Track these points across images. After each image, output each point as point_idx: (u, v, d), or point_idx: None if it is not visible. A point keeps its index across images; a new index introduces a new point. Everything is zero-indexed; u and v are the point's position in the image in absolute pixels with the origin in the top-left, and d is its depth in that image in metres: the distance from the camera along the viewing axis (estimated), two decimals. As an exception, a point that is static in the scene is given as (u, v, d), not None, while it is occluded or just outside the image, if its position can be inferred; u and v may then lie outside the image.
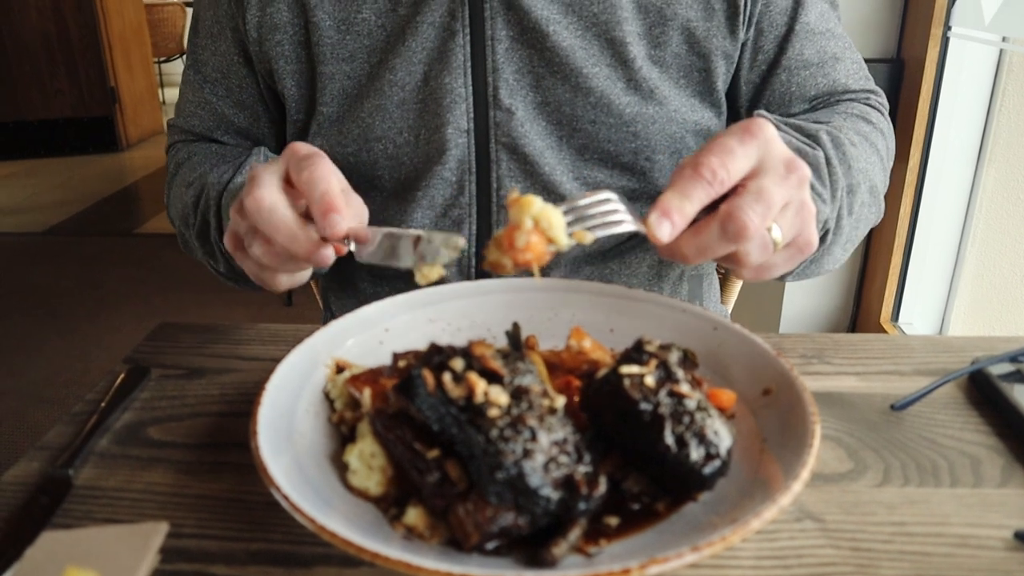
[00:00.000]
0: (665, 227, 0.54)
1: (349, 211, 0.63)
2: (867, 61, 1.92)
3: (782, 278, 0.79)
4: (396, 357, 0.58)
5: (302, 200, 0.65)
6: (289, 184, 0.65)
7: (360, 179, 0.88)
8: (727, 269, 1.24)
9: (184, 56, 1.08)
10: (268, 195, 0.63)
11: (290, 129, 0.95)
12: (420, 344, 0.62)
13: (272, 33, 0.89)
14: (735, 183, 0.57)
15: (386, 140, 0.88)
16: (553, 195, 0.88)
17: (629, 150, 0.88)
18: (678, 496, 0.51)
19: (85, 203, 4.84)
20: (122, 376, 0.73)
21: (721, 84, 0.90)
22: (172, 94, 7.75)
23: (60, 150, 5.85)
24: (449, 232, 0.59)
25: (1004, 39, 1.77)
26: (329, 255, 0.63)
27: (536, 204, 0.54)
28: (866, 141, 0.84)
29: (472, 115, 0.86)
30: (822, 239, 0.77)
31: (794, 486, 0.47)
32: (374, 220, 0.92)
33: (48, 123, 5.78)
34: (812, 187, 0.73)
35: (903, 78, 1.96)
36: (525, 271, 0.55)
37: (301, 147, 0.65)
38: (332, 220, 0.60)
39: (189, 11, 7.19)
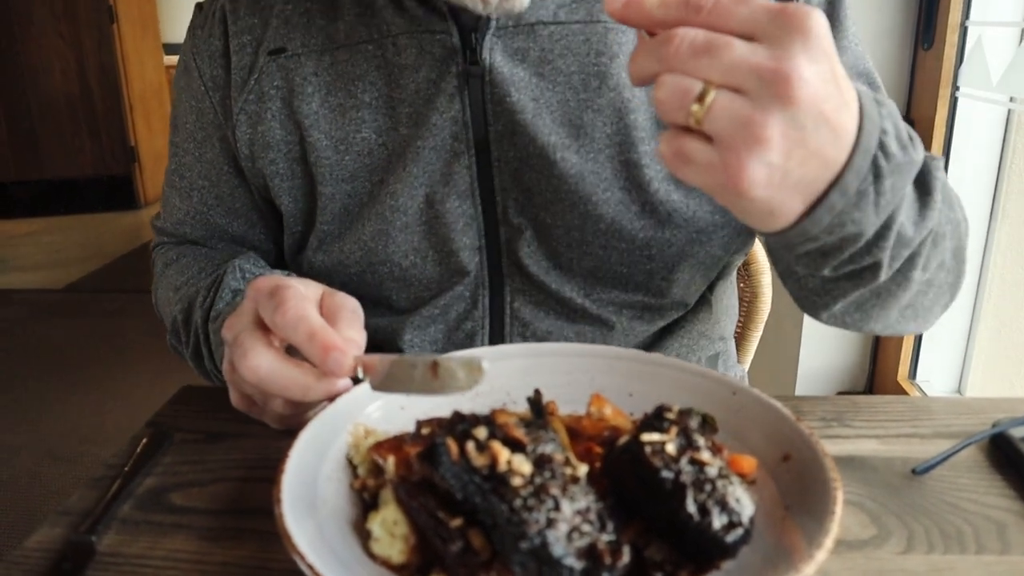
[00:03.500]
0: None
1: (346, 336, 0.60)
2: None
3: (825, 317, 0.74)
4: (419, 424, 0.59)
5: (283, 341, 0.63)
6: (266, 328, 0.63)
7: (367, 297, 0.82)
8: (742, 330, 1.24)
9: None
10: (260, 361, 0.61)
11: (288, 240, 0.91)
12: (441, 410, 0.63)
13: (265, 151, 0.86)
14: (722, 29, 0.46)
15: (391, 263, 0.85)
16: (566, 309, 0.87)
17: (643, 271, 0.85)
18: (701, 564, 0.50)
19: (104, 260, 4.90)
20: (145, 441, 0.73)
21: None
22: (191, 152, 7.85)
23: (80, 208, 5.94)
24: (467, 355, 0.56)
25: (1012, 99, 1.79)
26: (346, 386, 0.62)
27: None
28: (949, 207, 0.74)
29: (483, 232, 0.84)
30: (874, 268, 0.62)
31: (818, 555, 0.47)
32: (384, 337, 0.90)
33: (69, 182, 5.89)
34: (882, 178, 0.53)
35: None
36: None
37: (262, 283, 0.63)
38: (334, 360, 0.58)
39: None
